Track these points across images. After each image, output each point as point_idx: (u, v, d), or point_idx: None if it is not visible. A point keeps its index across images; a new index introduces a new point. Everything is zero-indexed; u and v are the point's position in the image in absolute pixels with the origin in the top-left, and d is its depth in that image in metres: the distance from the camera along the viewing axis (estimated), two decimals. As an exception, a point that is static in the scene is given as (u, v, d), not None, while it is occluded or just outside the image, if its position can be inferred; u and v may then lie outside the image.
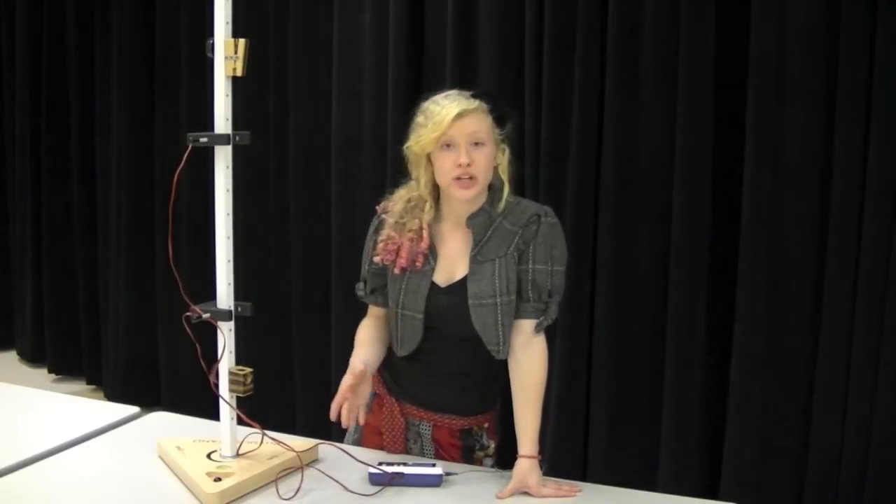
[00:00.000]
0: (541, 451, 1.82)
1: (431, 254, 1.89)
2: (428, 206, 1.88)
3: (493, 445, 2.00)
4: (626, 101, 2.95)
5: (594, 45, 2.99)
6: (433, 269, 1.89)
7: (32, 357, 4.92)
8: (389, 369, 1.99)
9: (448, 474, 1.79)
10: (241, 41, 1.69)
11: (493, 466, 1.98)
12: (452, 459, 1.95)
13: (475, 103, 1.82)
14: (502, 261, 1.85)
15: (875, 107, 2.55)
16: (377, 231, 1.95)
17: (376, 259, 1.92)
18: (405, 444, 1.96)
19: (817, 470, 2.72)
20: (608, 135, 2.99)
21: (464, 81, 3.01)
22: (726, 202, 2.84)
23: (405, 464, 1.80)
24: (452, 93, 1.86)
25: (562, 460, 3.07)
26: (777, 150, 2.72)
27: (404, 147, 1.87)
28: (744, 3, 2.74)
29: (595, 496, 1.78)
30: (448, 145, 1.80)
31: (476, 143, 1.80)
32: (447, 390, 1.93)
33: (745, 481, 2.80)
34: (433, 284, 1.88)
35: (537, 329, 1.86)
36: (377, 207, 1.98)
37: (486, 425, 1.99)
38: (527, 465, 1.78)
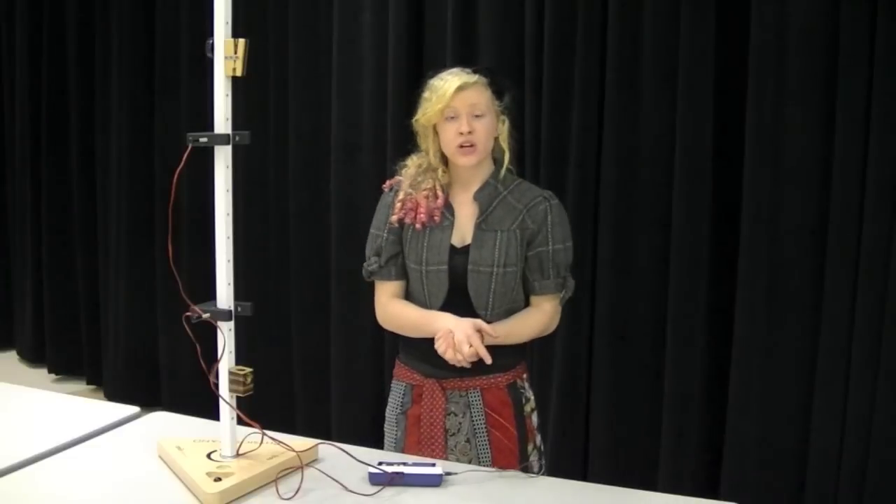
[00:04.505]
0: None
1: (448, 210, 2.02)
2: (440, 172, 2.02)
3: (532, 396, 2.10)
4: (625, 101, 2.96)
5: (594, 45, 2.99)
6: (452, 224, 2.01)
7: (32, 357, 4.92)
8: (424, 359, 2.02)
9: (448, 474, 1.79)
10: (241, 41, 1.69)
11: (538, 424, 2.08)
12: (507, 422, 2.01)
13: (475, 77, 1.97)
14: (504, 234, 1.98)
15: (875, 107, 2.55)
16: (393, 199, 2.05)
17: (394, 218, 2.02)
18: (444, 430, 2.00)
19: (817, 470, 2.72)
20: (608, 135, 2.99)
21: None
22: (726, 202, 2.84)
23: (405, 463, 1.80)
24: (455, 69, 2.01)
25: (562, 460, 3.07)
26: (777, 150, 2.72)
27: (413, 120, 2.04)
28: (744, 3, 2.74)
29: (595, 496, 1.78)
30: (452, 117, 1.95)
31: (477, 115, 1.95)
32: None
33: (745, 481, 2.81)
34: (451, 245, 1.99)
35: (560, 303, 2.04)
36: (384, 186, 2.10)
37: (524, 375, 2.09)
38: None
